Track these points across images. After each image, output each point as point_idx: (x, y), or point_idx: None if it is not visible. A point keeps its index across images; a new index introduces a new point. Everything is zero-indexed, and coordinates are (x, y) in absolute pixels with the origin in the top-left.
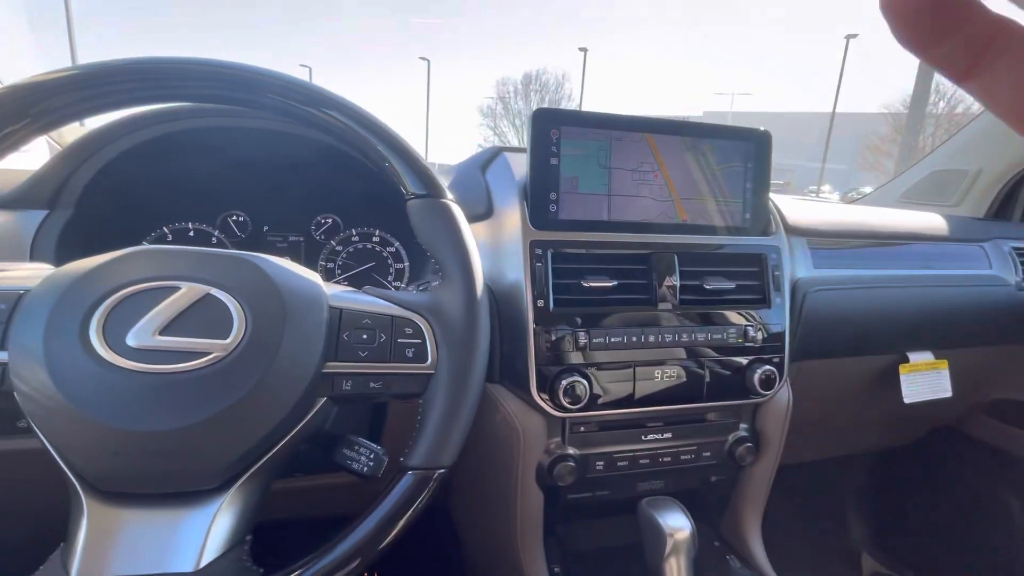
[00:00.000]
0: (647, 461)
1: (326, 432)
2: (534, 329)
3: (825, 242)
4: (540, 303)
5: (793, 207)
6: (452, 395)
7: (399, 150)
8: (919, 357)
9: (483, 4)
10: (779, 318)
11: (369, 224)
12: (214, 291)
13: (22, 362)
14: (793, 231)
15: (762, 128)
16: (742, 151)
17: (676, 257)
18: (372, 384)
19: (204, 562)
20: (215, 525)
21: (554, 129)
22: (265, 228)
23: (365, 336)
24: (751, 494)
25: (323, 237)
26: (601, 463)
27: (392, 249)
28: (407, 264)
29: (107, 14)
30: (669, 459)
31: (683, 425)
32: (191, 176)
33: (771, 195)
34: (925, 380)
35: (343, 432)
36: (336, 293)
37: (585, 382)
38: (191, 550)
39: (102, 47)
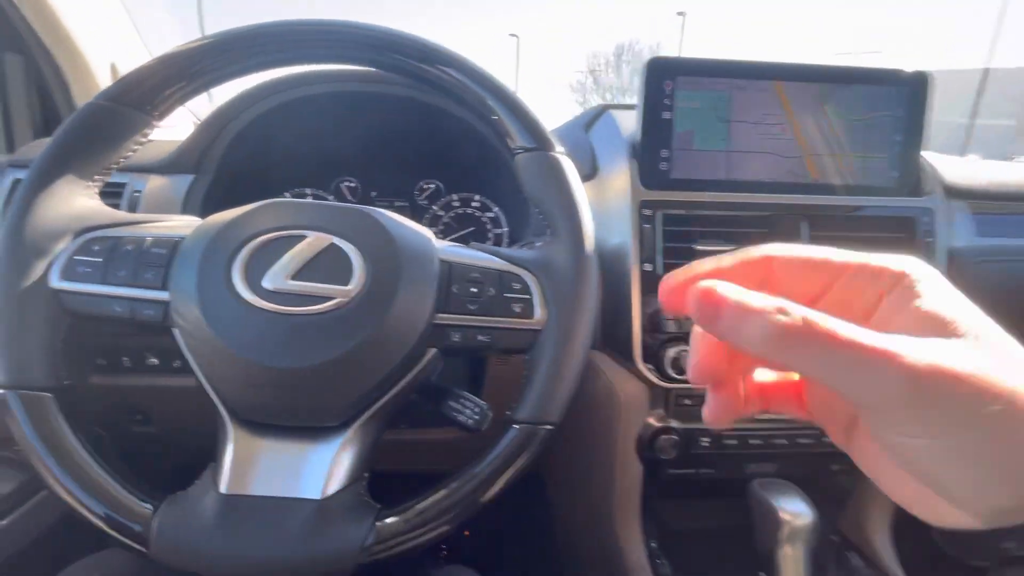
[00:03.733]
0: (759, 442)
1: (433, 384)
2: (640, 295)
3: (991, 206)
4: (648, 267)
5: (952, 164)
6: (559, 352)
7: (509, 103)
8: None
9: None
10: None
11: (470, 189)
12: (337, 240)
13: (181, 301)
14: (953, 192)
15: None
16: (892, 98)
17: (805, 220)
18: (480, 337)
19: (329, 492)
20: (337, 460)
21: (668, 80)
22: (373, 194)
23: (474, 290)
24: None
25: (426, 202)
26: (707, 439)
27: (491, 214)
28: (506, 229)
29: None
30: (784, 442)
31: None
32: (309, 144)
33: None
34: None
35: (448, 386)
36: (446, 247)
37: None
38: (317, 480)
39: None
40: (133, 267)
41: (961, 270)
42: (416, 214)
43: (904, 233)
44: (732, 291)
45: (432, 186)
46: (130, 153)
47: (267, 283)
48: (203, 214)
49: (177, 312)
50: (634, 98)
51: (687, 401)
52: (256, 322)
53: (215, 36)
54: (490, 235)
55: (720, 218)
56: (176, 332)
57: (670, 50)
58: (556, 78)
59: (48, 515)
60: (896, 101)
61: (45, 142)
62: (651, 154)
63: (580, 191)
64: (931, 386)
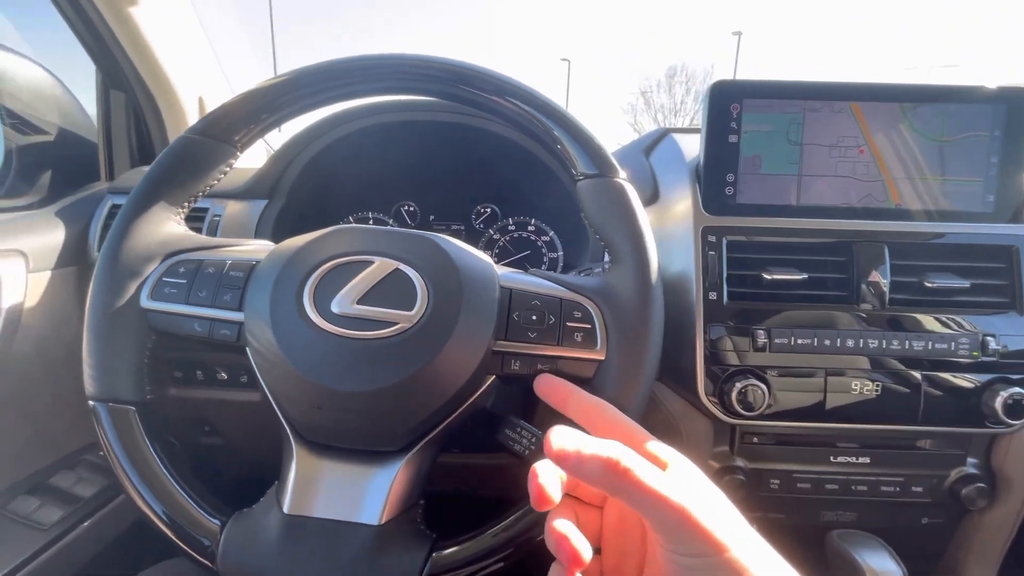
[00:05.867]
0: (835, 487)
1: (489, 411)
2: (704, 324)
3: None
4: (712, 295)
5: None
6: (622, 384)
7: (573, 130)
8: None
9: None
10: None
11: (525, 213)
12: (401, 266)
13: (254, 322)
14: None
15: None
16: (985, 116)
17: (886, 248)
18: (540, 366)
19: (386, 518)
20: (395, 485)
21: (735, 103)
22: (431, 217)
23: (534, 317)
24: (981, 546)
25: (482, 225)
26: (776, 481)
27: (546, 238)
28: (560, 253)
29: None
30: (865, 488)
31: (886, 451)
32: (371, 170)
33: None
34: None
35: (505, 413)
36: (506, 274)
37: (763, 387)
38: (376, 505)
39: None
40: (213, 289)
41: None
42: (472, 237)
43: (1004, 262)
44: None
45: (488, 210)
46: (215, 182)
47: (335, 307)
48: (275, 237)
49: (250, 332)
50: (687, 119)
51: (755, 439)
52: (323, 345)
53: (293, 73)
54: (545, 259)
55: (791, 245)
56: (248, 351)
57: (725, 70)
58: (607, 99)
59: (125, 519)
60: (991, 120)
61: (142, 171)
62: (715, 179)
63: (643, 218)
64: (686, 528)
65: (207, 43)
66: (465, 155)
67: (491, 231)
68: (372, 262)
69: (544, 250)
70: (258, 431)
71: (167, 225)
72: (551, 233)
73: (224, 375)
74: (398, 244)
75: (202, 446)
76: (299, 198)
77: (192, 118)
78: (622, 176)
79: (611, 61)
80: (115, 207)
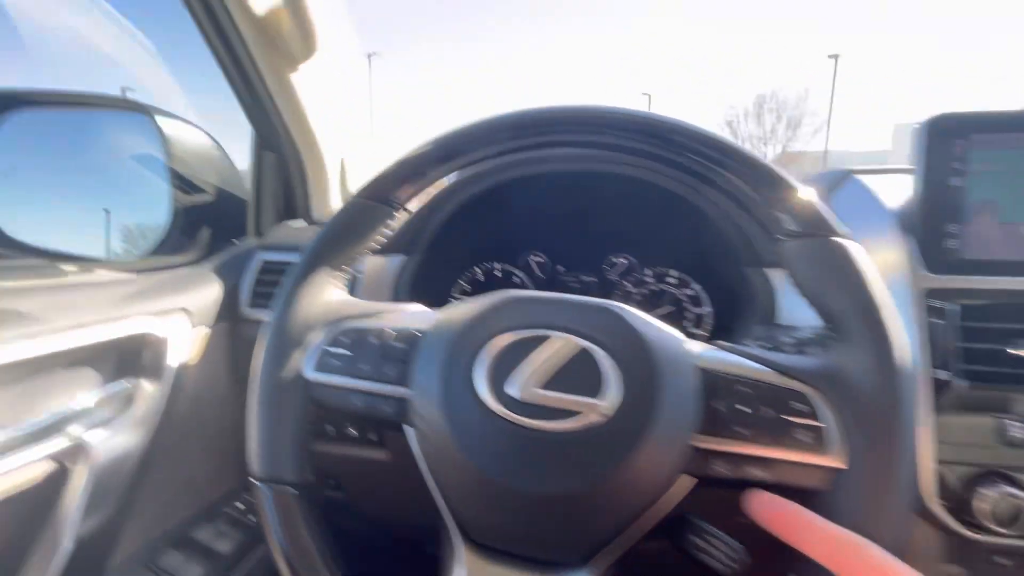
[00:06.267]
0: None
1: (673, 513)
2: (932, 411)
3: None
4: (941, 375)
5: None
6: (874, 506)
7: (779, 184)
8: None
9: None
10: None
11: (665, 263)
12: (584, 343)
13: (422, 403)
14: None
15: None
16: None
17: None
18: (753, 470)
19: None
20: None
21: (959, 140)
22: (560, 268)
23: (743, 408)
24: None
25: (617, 277)
26: None
27: (690, 291)
28: (708, 309)
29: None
30: None
31: None
32: (499, 220)
33: None
34: None
35: (692, 515)
36: (702, 352)
37: (1020, 494)
38: None
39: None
40: (375, 361)
41: None
42: (605, 289)
43: None
44: None
45: (623, 260)
46: (374, 244)
47: (512, 390)
48: (413, 292)
49: (417, 413)
50: (778, 147)
51: (1005, 560)
52: (501, 435)
53: (487, 122)
54: (689, 315)
55: None
56: (408, 430)
57: (819, 96)
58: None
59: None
60: None
61: (287, 226)
62: (936, 229)
63: (881, 286)
64: None
65: (349, 104)
66: (598, 202)
67: (627, 283)
68: (550, 338)
69: (688, 305)
70: (384, 491)
71: (329, 291)
72: (695, 286)
73: (354, 432)
74: (578, 317)
75: (326, 499)
76: (436, 252)
77: (334, 177)
78: (843, 232)
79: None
80: (267, 263)
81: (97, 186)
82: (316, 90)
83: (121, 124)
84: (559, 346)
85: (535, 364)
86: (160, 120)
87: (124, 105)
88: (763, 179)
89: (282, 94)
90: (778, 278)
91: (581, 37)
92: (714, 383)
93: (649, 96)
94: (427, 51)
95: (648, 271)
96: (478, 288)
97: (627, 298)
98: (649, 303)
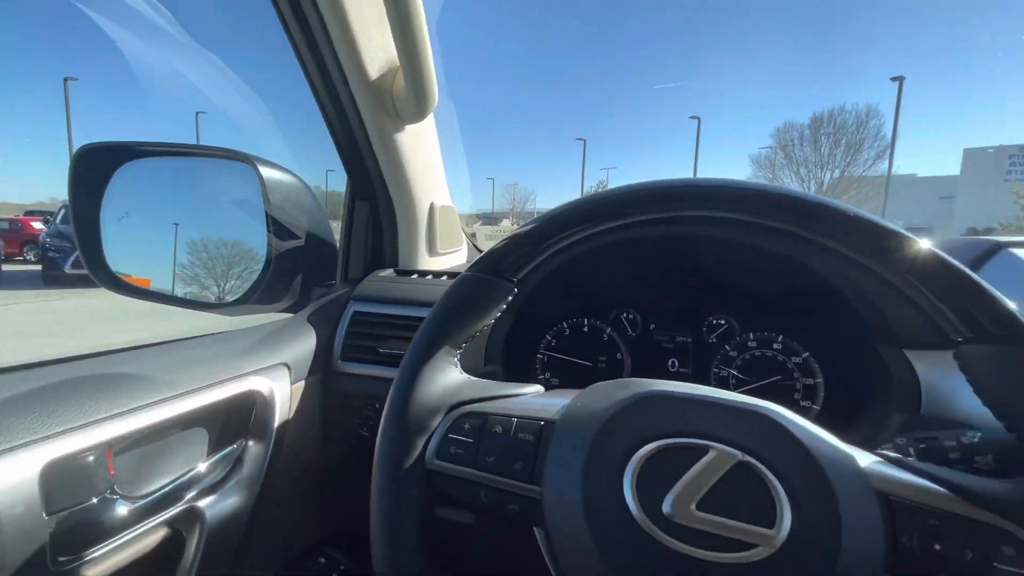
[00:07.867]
0: None
1: None
2: None
3: None
4: None
5: None
6: None
7: (965, 282)
8: None
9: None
10: None
11: (769, 328)
12: (747, 459)
13: (561, 510)
14: None
15: None
16: None
17: None
18: None
19: None
20: None
21: None
22: (652, 326)
23: (941, 548)
24: None
25: (716, 340)
26: None
27: (798, 359)
28: (820, 380)
29: None
30: None
31: None
32: (592, 277)
33: None
34: None
35: None
36: (878, 470)
37: None
38: None
39: None
40: (502, 454)
41: None
42: (702, 353)
43: None
44: None
45: (723, 323)
46: (492, 320)
47: (668, 508)
48: (506, 352)
49: (554, 518)
50: (835, 172)
51: None
52: (659, 562)
53: (583, 202)
54: (798, 386)
55: None
56: (539, 533)
57: (882, 117)
58: (736, 150)
59: None
60: None
61: (378, 275)
62: None
63: None
64: None
65: (439, 155)
66: (699, 261)
67: (727, 347)
68: (706, 450)
69: (796, 374)
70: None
71: (448, 371)
72: (804, 353)
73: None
74: (733, 423)
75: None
76: (528, 311)
77: (422, 224)
78: None
79: (741, 112)
80: (357, 313)
81: (204, 229)
82: (414, 144)
83: (228, 171)
84: (714, 458)
85: (688, 479)
86: (261, 167)
87: (230, 155)
88: (937, 275)
89: (383, 149)
90: (924, 364)
91: (618, 59)
92: (900, 514)
93: (698, 119)
94: None
95: (751, 335)
96: (564, 344)
97: (728, 363)
98: (752, 370)
